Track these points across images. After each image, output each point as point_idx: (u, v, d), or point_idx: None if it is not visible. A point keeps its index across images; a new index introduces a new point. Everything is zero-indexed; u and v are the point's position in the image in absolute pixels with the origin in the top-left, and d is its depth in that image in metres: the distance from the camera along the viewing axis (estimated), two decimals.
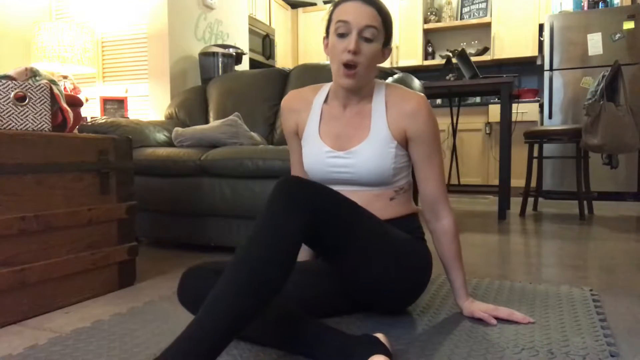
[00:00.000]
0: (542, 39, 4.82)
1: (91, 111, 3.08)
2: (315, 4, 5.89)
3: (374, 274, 1.13)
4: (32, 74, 1.52)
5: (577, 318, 1.25)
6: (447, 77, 3.58)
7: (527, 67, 5.20)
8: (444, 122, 4.83)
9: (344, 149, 1.23)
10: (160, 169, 2.15)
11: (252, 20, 4.43)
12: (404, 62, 5.47)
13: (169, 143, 2.47)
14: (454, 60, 3.67)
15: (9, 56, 2.97)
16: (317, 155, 1.26)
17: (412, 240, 1.22)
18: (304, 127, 1.31)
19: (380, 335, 0.98)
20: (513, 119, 3.70)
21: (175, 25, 3.02)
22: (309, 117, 1.30)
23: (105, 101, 2.97)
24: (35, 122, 1.40)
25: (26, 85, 1.38)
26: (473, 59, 4.65)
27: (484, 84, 3.27)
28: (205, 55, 3.04)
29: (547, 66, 4.47)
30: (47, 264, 1.33)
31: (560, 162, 4.41)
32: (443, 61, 4.33)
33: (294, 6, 5.88)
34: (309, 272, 1.21)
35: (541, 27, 4.85)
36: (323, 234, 1.03)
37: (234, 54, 3.15)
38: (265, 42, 4.74)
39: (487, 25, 5.22)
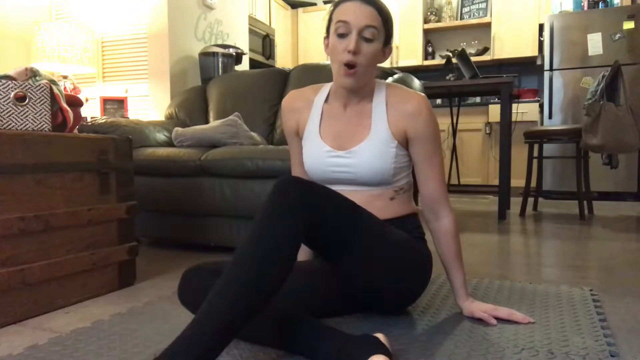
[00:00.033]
0: (542, 39, 4.82)
1: (91, 111, 3.08)
2: (315, 4, 5.89)
3: (374, 274, 1.13)
4: (32, 74, 1.52)
5: (577, 318, 1.25)
6: (447, 77, 3.58)
7: (527, 67, 5.20)
8: (444, 122, 4.83)
9: (345, 149, 1.23)
10: (160, 169, 2.16)
11: (252, 20, 4.43)
12: (404, 62, 5.47)
13: (169, 143, 2.47)
14: (454, 60, 3.67)
15: (9, 56, 2.98)
16: (318, 155, 1.26)
17: (412, 240, 1.21)
18: (305, 126, 1.31)
19: (380, 335, 0.98)
20: (513, 119, 3.70)
21: (175, 25, 3.02)
22: (310, 116, 1.31)
23: (105, 101, 2.97)
24: (35, 122, 1.40)
25: (26, 85, 1.38)
26: (473, 59, 4.65)
27: (484, 84, 3.27)
28: (205, 55, 3.04)
29: (547, 66, 4.47)
30: (47, 264, 1.33)
31: (560, 162, 4.41)
32: (443, 61, 4.33)
33: (294, 6, 5.88)
34: (309, 272, 1.21)
35: (541, 27, 4.85)
36: (322, 234, 1.03)
37: (234, 54, 3.15)
38: (265, 42, 4.74)
39: (487, 25, 5.22)
